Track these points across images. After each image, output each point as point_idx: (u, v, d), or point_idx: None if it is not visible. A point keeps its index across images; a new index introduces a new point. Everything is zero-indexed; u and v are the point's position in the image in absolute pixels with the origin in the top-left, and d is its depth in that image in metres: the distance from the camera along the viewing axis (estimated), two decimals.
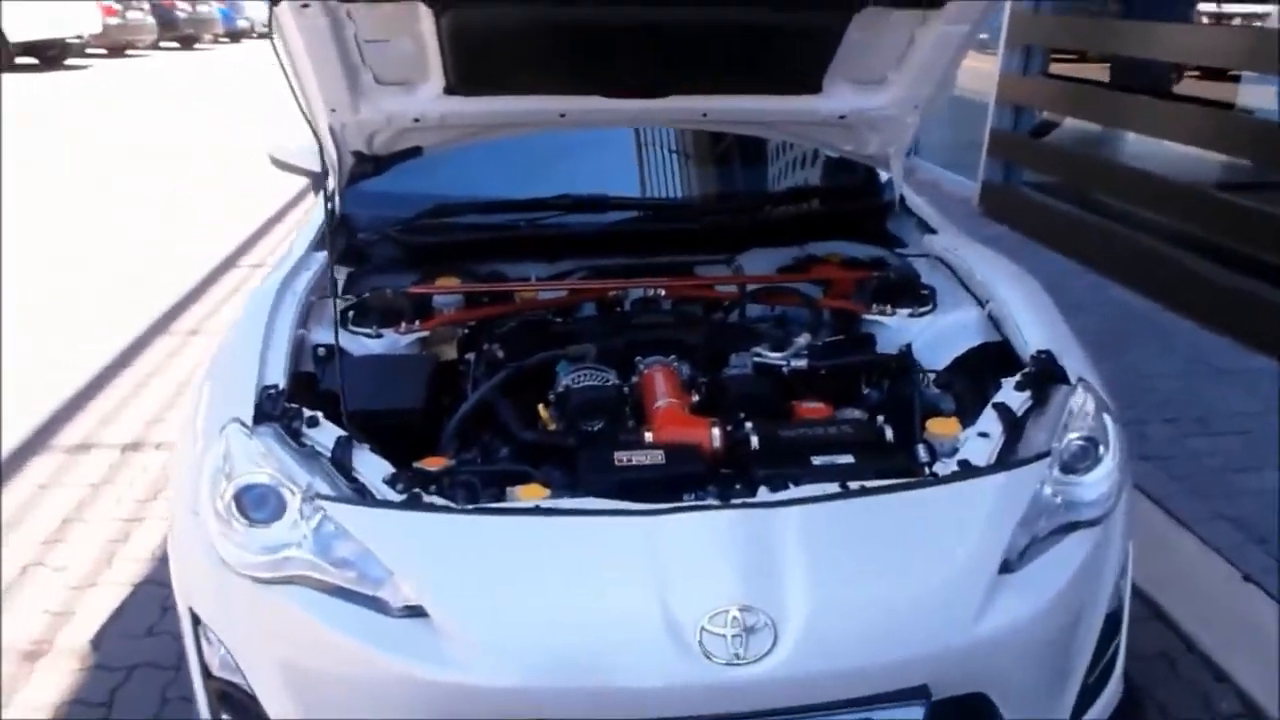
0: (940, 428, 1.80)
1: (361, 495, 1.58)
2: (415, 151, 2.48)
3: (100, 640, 2.45)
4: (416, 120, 2.29)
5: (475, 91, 2.22)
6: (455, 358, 2.19)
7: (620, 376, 1.98)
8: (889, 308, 2.26)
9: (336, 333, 1.79)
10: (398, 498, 1.56)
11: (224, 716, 1.62)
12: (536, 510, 1.53)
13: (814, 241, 2.61)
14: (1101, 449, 1.70)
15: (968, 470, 1.64)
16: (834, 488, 1.56)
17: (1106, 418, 1.76)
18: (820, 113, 2.38)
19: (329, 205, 1.73)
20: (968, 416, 1.81)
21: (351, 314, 2.17)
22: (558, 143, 2.67)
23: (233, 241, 5.75)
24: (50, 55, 16.36)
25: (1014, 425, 1.73)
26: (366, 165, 2.45)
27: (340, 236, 2.54)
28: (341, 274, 2.37)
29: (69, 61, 16.98)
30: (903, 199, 2.74)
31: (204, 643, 1.63)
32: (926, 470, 1.67)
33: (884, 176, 2.76)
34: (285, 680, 1.48)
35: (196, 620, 1.62)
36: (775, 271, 2.52)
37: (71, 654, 2.40)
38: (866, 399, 2.05)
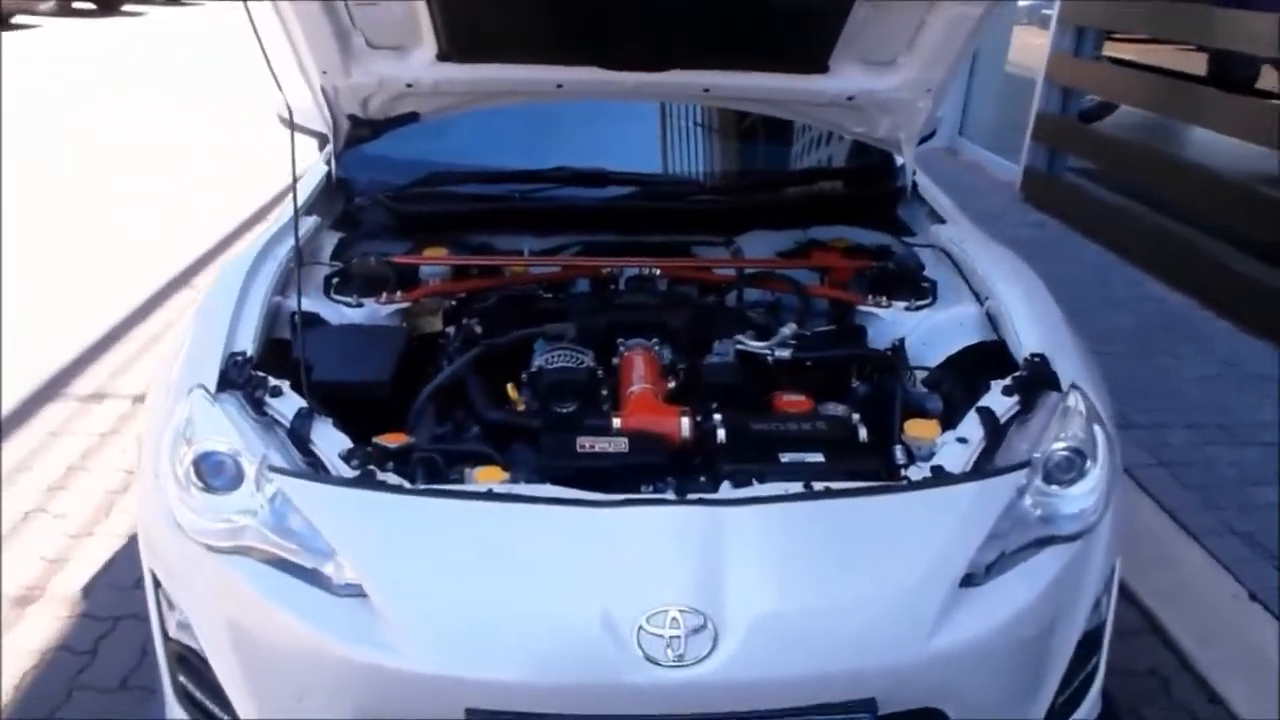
0: (919, 430, 1.73)
1: (316, 470, 1.57)
2: (412, 117, 2.45)
3: (90, 590, 2.50)
4: (409, 86, 2.27)
5: (468, 59, 2.18)
6: (439, 330, 2.16)
7: (601, 358, 1.95)
8: (885, 299, 2.20)
9: (299, 301, 1.76)
10: (351, 474, 1.55)
11: (180, 678, 1.63)
12: (485, 495, 1.50)
13: (820, 225, 2.54)
14: (1088, 462, 1.62)
15: (939, 477, 1.58)
16: (797, 487, 1.51)
17: (1097, 429, 1.68)
18: (827, 93, 2.30)
19: (295, 169, 1.69)
20: (955, 418, 1.75)
21: (335, 281, 2.15)
22: (558, 114, 2.62)
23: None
24: None
25: (996, 431, 1.67)
26: (363, 129, 2.44)
27: (336, 201, 2.55)
28: (333, 239, 2.38)
29: None
30: (915, 185, 2.65)
31: (164, 605, 1.64)
32: (902, 473, 1.62)
33: (899, 160, 2.70)
34: (234, 646, 1.48)
35: (157, 583, 1.64)
36: (774, 256, 2.46)
37: (62, 601, 2.46)
38: (853, 393, 1.99)
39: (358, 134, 2.45)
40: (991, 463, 1.64)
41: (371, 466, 1.56)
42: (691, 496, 1.51)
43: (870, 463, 1.66)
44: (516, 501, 1.48)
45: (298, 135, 2.69)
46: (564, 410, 1.80)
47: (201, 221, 5.35)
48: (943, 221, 2.46)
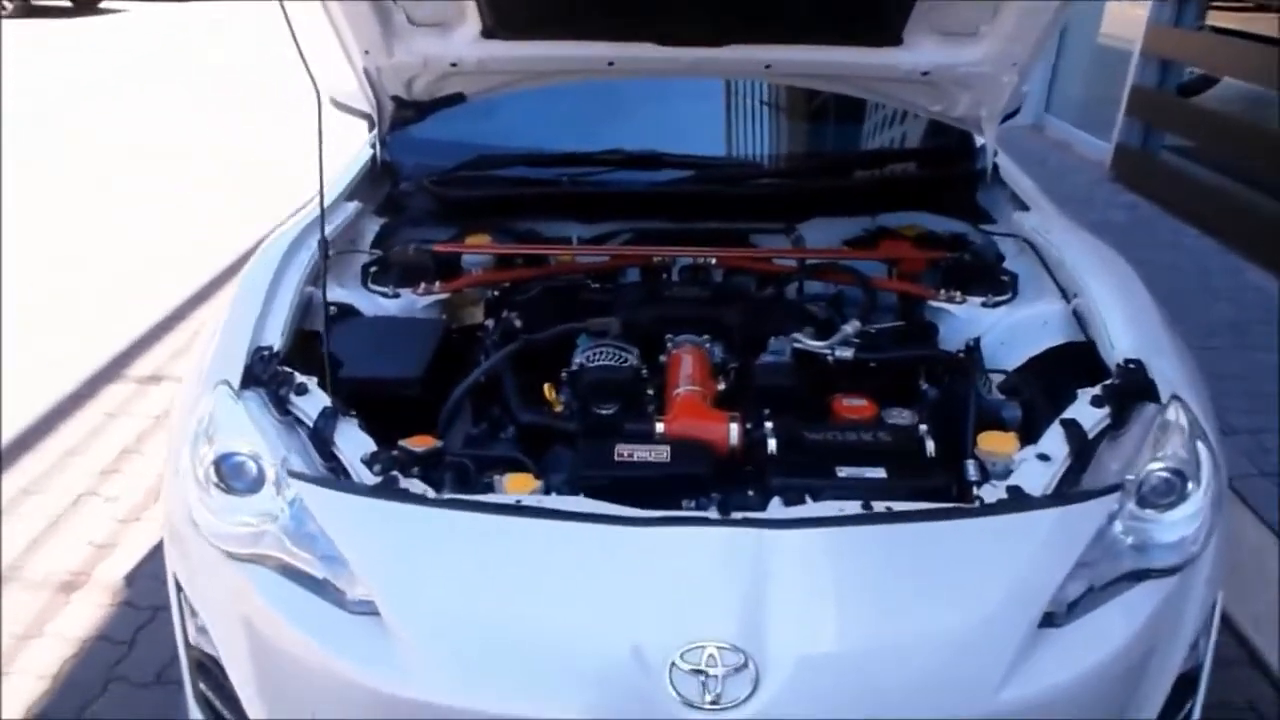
0: (994, 444, 1.57)
1: (337, 475, 1.49)
2: (458, 98, 2.36)
3: (133, 578, 2.49)
4: (454, 65, 2.17)
5: (515, 35, 2.07)
6: (480, 322, 2.09)
7: (649, 354, 1.85)
8: (959, 294, 2.04)
9: (325, 294, 1.67)
10: (372, 479, 1.46)
11: (200, 685, 1.58)
12: (511, 508, 1.40)
13: (890, 212, 2.39)
14: (1190, 484, 1.44)
15: (1017, 500, 1.42)
16: (855, 507, 1.39)
17: (1200, 446, 1.49)
18: (900, 68, 2.13)
19: (321, 155, 1.60)
20: (1035, 430, 1.60)
21: (373, 270, 2.09)
22: (610, 94, 2.51)
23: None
24: None
25: (1083, 449, 1.51)
26: (407, 111, 2.37)
27: (380, 185, 2.47)
28: (375, 225, 2.30)
29: None
30: (996, 167, 2.48)
31: (185, 610, 1.58)
32: (974, 493, 1.46)
33: (979, 140, 2.51)
34: (249, 657, 1.42)
35: (179, 586, 1.58)
36: (840, 245, 2.34)
37: (106, 589, 2.45)
38: (922, 398, 1.85)
39: (403, 116, 2.37)
40: (1078, 484, 1.48)
41: (395, 472, 1.47)
42: (736, 516, 1.38)
43: (938, 480, 1.52)
44: (544, 517, 1.36)
45: (343, 119, 2.66)
46: (604, 411, 1.71)
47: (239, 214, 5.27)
48: (1026, 208, 2.28)
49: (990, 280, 2.06)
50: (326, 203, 2.14)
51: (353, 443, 1.52)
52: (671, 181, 2.35)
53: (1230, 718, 2.08)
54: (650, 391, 1.77)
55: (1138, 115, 5.85)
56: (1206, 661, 1.56)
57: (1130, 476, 1.42)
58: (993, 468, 1.54)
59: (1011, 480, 1.46)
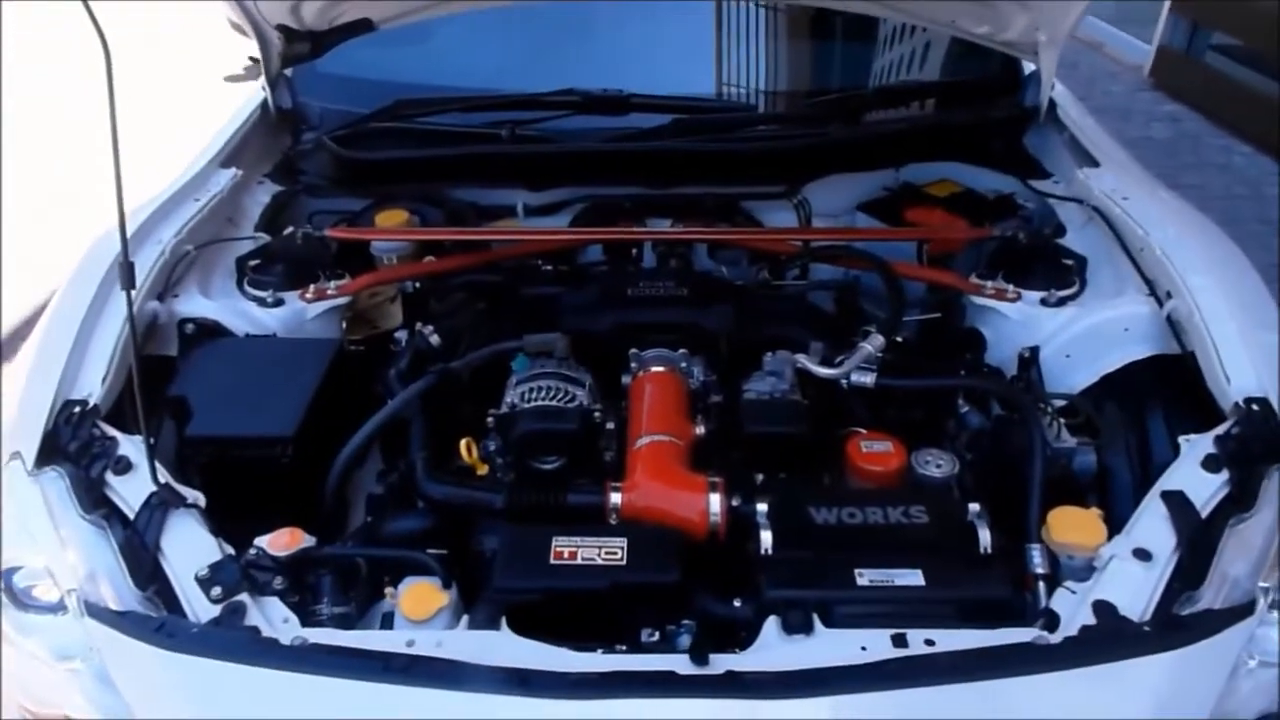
0: (1072, 529, 1.22)
1: (156, 604, 1.12)
2: (364, 25, 1.95)
3: None
4: None
5: None
6: (399, 326, 1.79)
7: (608, 375, 1.57)
8: (1011, 287, 1.69)
9: (135, 341, 1.22)
10: (210, 609, 1.11)
11: None
12: (395, 665, 1.02)
13: (917, 162, 2.10)
14: None
15: (1117, 635, 1.06)
16: (884, 642, 1.07)
17: None
18: None
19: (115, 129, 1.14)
20: (1113, 486, 1.37)
21: (252, 265, 1.73)
22: (564, 18, 2.14)
23: None
24: None
25: (1199, 539, 1.16)
26: (300, 45, 1.97)
27: (275, 142, 2.11)
28: (264, 197, 1.93)
29: None
30: (1053, 104, 2.12)
31: None
32: (1039, 594, 1.20)
33: (1028, 68, 2.13)
34: None
35: None
36: (855, 209, 2.06)
37: None
38: (963, 425, 1.55)
39: (295, 51, 1.97)
40: (1192, 597, 1.11)
41: (244, 596, 1.12)
42: (713, 671, 1.02)
43: (997, 590, 1.18)
44: (434, 681, 1.00)
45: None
46: (545, 466, 1.42)
47: None
48: (1095, 162, 1.92)
49: (1051, 266, 1.72)
50: (184, 179, 1.75)
51: (188, 548, 1.17)
52: (641, 132, 2.02)
53: None
54: (607, 431, 1.46)
55: (1184, 12, 5.31)
56: None
57: (1265, 584, 1.10)
58: (1069, 562, 1.22)
59: (1098, 587, 1.14)
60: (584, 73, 2.02)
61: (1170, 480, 1.22)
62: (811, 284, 1.92)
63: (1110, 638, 1.05)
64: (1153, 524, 1.17)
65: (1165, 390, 1.44)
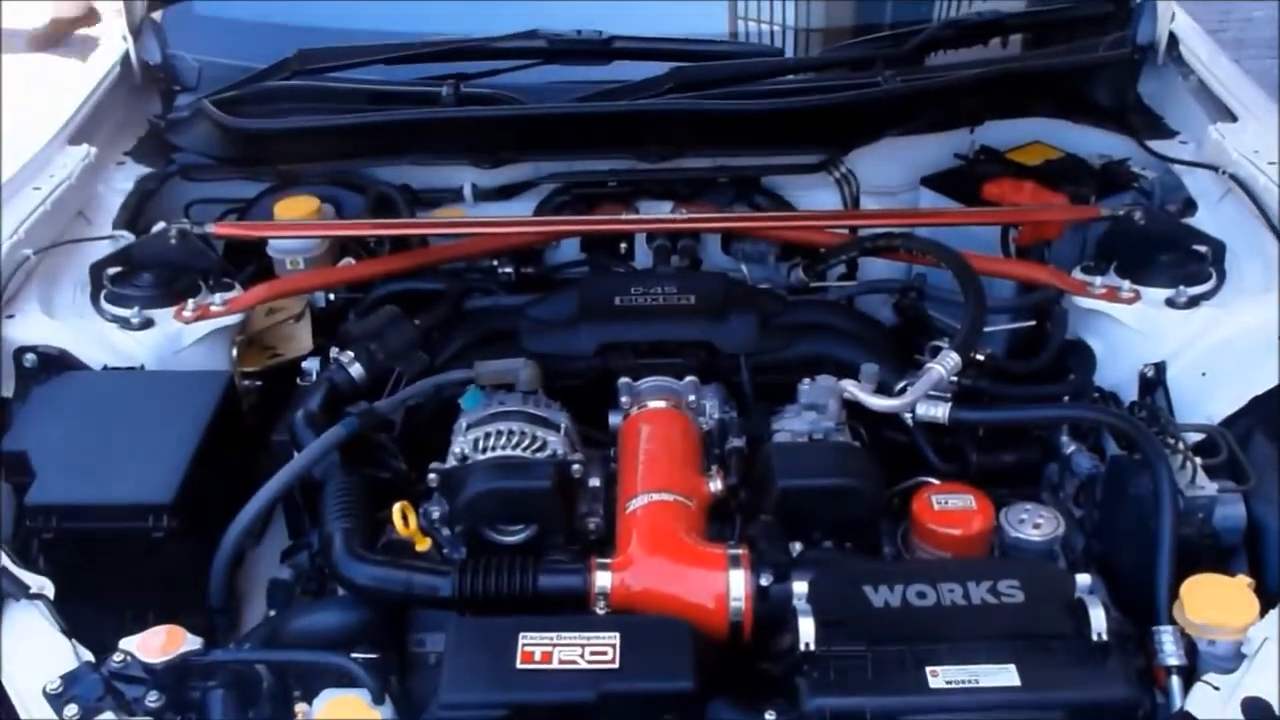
0: (1213, 604, 1.28)
1: None
2: None
3: None
4: None
5: None
6: (308, 352, 1.89)
7: (590, 413, 1.67)
8: (1126, 285, 1.80)
9: None
10: None
11: None
12: None
13: (999, 118, 2.21)
14: None
15: None
16: None
17: None
18: None
19: None
20: (1269, 551, 1.42)
21: (112, 275, 1.82)
22: None
23: None
24: None
25: None
26: None
27: (140, 107, 2.21)
28: (125, 183, 2.01)
29: None
30: (1174, 39, 2.24)
31: None
32: (1172, 691, 1.26)
33: None
34: None
35: None
36: (919, 182, 2.19)
37: None
38: (1069, 470, 1.65)
39: None
40: None
41: (106, 718, 1.18)
42: None
43: (1113, 685, 1.24)
44: None
45: None
46: (507, 539, 1.50)
47: None
48: (1233, 118, 2.03)
49: (1178, 255, 1.84)
50: (29, 149, 1.91)
51: (32, 653, 1.24)
52: (630, 86, 2.10)
53: None
54: (590, 489, 1.56)
55: None
56: None
57: None
58: (1210, 649, 1.28)
59: (1248, 679, 1.21)
60: (552, 9, 2.12)
61: None
62: (861, 286, 2.02)
63: None
64: None
65: None
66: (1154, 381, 1.69)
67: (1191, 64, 2.21)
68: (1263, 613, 1.26)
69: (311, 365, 1.77)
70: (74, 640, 1.24)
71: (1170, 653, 1.28)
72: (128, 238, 1.87)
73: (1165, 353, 1.72)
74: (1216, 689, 1.20)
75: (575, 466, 1.52)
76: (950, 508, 1.50)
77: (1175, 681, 1.26)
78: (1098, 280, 1.82)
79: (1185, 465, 1.49)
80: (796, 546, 1.44)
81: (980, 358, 1.71)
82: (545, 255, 2.08)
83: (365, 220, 2.03)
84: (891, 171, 2.15)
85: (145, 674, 1.23)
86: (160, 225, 1.86)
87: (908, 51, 2.24)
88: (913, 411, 1.59)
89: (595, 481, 1.54)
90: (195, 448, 1.50)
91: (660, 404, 1.63)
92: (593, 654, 1.24)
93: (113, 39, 2.23)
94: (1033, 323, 1.91)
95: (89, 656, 1.22)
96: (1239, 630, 1.26)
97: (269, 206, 2.00)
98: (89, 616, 1.30)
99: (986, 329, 1.79)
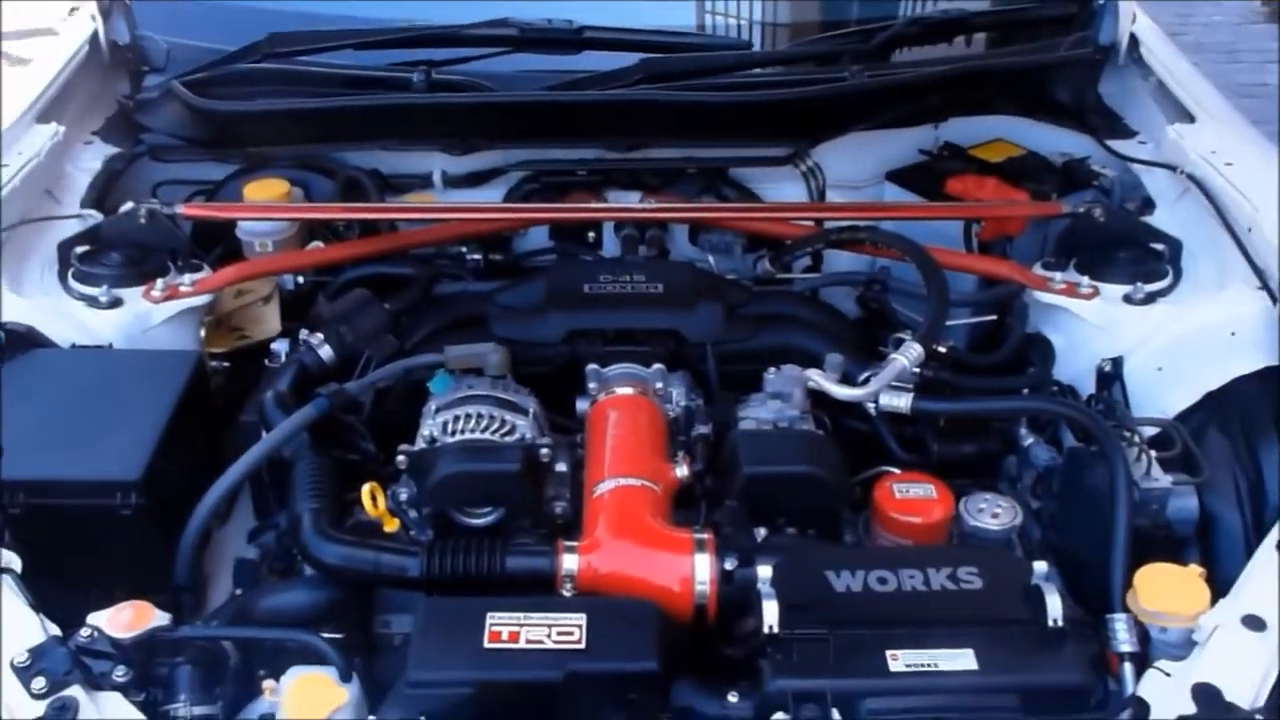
0: (1165, 593, 1.32)
1: None
2: None
3: None
4: None
5: None
6: (276, 334, 1.91)
7: (557, 399, 1.70)
8: (1085, 281, 1.84)
9: None
10: (32, 707, 1.17)
11: None
12: None
13: (962, 115, 2.26)
14: None
15: None
16: None
17: None
18: None
19: None
20: (1220, 537, 1.47)
21: (79, 254, 1.83)
22: None
23: None
24: None
25: None
26: None
27: (109, 87, 2.23)
28: (94, 162, 2.03)
29: None
30: (1135, 41, 2.27)
31: None
32: (1124, 677, 1.28)
33: None
34: None
35: None
36: (884, 177, 2.22)
37: None
38: (1026, 461, 1.68)
39: None
40: None
41: (73, 691, 1.18)
42: None
43: (1067, 669, 1.28)
44: None
45: None
46: (475, 521, 1.53)
47: None
48: (1190, 117, 2.08)
49: (1136, 252, 1.87)
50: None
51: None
52: (599, 76, 2.13)
53: None
54: (558, 474, 1.58)
55: None
56: None
57: None
58: (1161, 636, 1.32)
59: (1199, 666, 1.23)
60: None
61: None
62: (826, 278, 2.04)
63: None
64: (1268, 584, 1.28)
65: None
66: (1111, 376, 1.71)
67: (1152, 65, 2.25)
68: (1213, 601, 1.29)
69: (280, 347, 1.78)
70: (41, 615, 1.25)
71: (1123, 639, 1.31)
72: (96, 217, 1.88)
73: (1122, 348, 1.75)
74: (1168, 675, 1.22)
75: (543, 450, 1.54)
76: (911, 496, 1.53)
77: (1128, 668, 1.29)
78: (1058, 276, 1.85)
79: (1140, 458, 1.53)
80: (761, 532, 1.48)
81: (942, 350, 1.74)
82: (514, 242, 2.10)
83: (335, 204, 2.04)
84: (857, 166, 2.19)
85: (113, 649, 1.24)
86: (129, 205, 1.87)
87: (874, 48, 2.27)
88: (876, 401, 1.62)
89: (563, 466, 1.56)
90: (164, 426, 1.51)
91: (628, 391, 1.65)
92: (559, 634, 1.27)
93: (82, 19, 2.22)
94: (994, 317, 1.94)
95: (56, 632, 1.23)
96: (1190, 618, 1.29)
97: (238, 189, 2.01)
98: (57, 592, 1.31)
99: (949, 322, 1.82)
